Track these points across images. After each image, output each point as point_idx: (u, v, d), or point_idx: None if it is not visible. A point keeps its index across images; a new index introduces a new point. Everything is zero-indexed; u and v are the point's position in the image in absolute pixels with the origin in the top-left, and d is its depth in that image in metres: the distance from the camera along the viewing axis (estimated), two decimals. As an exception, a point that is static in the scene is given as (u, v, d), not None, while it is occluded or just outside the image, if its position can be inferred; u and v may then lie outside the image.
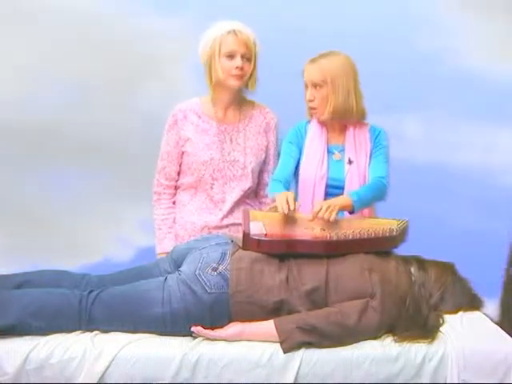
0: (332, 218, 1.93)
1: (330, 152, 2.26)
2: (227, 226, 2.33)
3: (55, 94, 3.21)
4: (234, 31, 2.19)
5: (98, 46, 3.20)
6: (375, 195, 2.15)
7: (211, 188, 2.32)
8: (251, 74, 2.24)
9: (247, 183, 2.33)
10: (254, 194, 2.42)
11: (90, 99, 3.23)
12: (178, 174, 2.37)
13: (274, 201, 2.20)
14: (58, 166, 3.29)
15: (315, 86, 2.18)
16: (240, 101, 2.34)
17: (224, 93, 2.28)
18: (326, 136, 2.27)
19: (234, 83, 2.22)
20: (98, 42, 3.20)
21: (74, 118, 3.22)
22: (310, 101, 2.21)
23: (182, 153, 2.33)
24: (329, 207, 1.94)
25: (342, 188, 2.21)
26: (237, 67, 2.19)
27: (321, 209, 1.93)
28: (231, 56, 2.19)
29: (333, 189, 2.22)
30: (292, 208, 1.93)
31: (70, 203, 3.31)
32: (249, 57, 2.22)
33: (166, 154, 2.34)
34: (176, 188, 2.40)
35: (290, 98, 2.44)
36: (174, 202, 2.39)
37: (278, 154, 2.36)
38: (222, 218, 2.32)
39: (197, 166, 2.30)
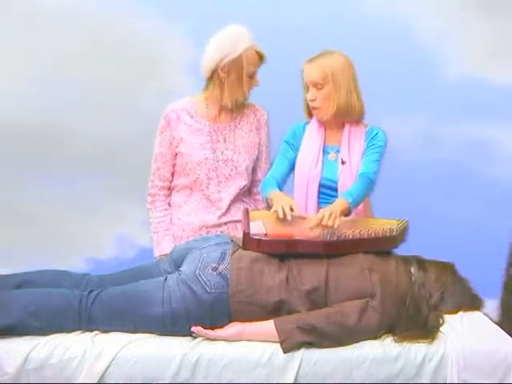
0: (336, 225, 1.93)
1: (325, 152, 2.26)
2: (225, 223, 2.34)
3: (56, 95, 3.21)
4: (256, 50, 2.20)
5: (99, 48, 3.19)
6: (366, 192, 2.15)
7: (207, 188, 2.32)
8: None
9: (242, 181, 2.34)
10: (248, 192, 2.42)
11: (91, 100, 3.24)
12: (172, 174, 2.37)
13: (266, 200, 2.20)
14: (59, 167, 3.29)
15: (316, 85, 2.17)
16: None
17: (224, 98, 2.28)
18: (323, 136, 2.27)
19: (247, 99, 2.28)
20: (99, 44, 3.19)
21: (74, 119, 3.22)
22: (312, 100, 2.20)
23: (176, 154, 2.33)
24: (331, 214, 1.94)
25: (336, 189, 2.21)
26: (255, 86, 2.25)
27: (323, 217, 1.93)
28: (252, 75, 2.22)
29: (326, 189, 2.23)
30: (289, 218, 1.95)
31: (70, 202, 3.32)
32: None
33: (159, 156, 2.34)
34: (170, 189, 2.39)
35: (286, 98, 2.44)
36: (168, 204, 2.39)
37: (269, 149, 2.39)
38: (220, 217, 2.33)
39: (192, 166, 2.30)
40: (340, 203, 2.03)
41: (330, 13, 3.14)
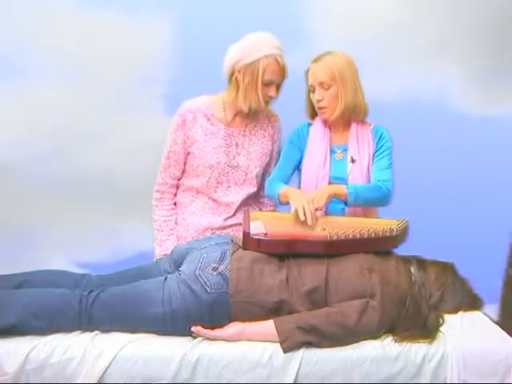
0: (322, 206, 1.97)
1: (332, 151, 2.26)
2: (231, 226, 2.32)
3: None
4: (276, 59, 2.16)
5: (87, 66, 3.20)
6: (375, 196, 2.13)
7: (215, 191, 2.30)
8: None
9: (251, 188, 2.33)
10: (254, 195, 2.41)
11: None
12: (182, 173, 2.35)
13: (276, 200, 2.20)
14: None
15: (323, 85, 2.17)
16: None
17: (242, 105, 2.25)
18: (328, 136, 2.26)
19: (262, 107, 2.24)
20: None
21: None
22: (319, 101, 2.20)
23: (188, 153, 2.31)
24: (313, 199, 1.98)
25: None
26: (271, 97, 2.21)
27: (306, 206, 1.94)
28: (268, 84, 2.19)
29: None
30: (310, 222, 1.91)
31: (70, 201, 3.32)
32: (280, 83, 2.22)
33: (172, 154, 2.31)
34: (178, 187, 2.38)
35: (287, 100, 2.43)
36: (174, 203, 2.37)
37: (279, 154, 2.37)
38: (226, 219, 2.32)
39: (203, 170, 2.28)
40: (337, 186, 2.10)
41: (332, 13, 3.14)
